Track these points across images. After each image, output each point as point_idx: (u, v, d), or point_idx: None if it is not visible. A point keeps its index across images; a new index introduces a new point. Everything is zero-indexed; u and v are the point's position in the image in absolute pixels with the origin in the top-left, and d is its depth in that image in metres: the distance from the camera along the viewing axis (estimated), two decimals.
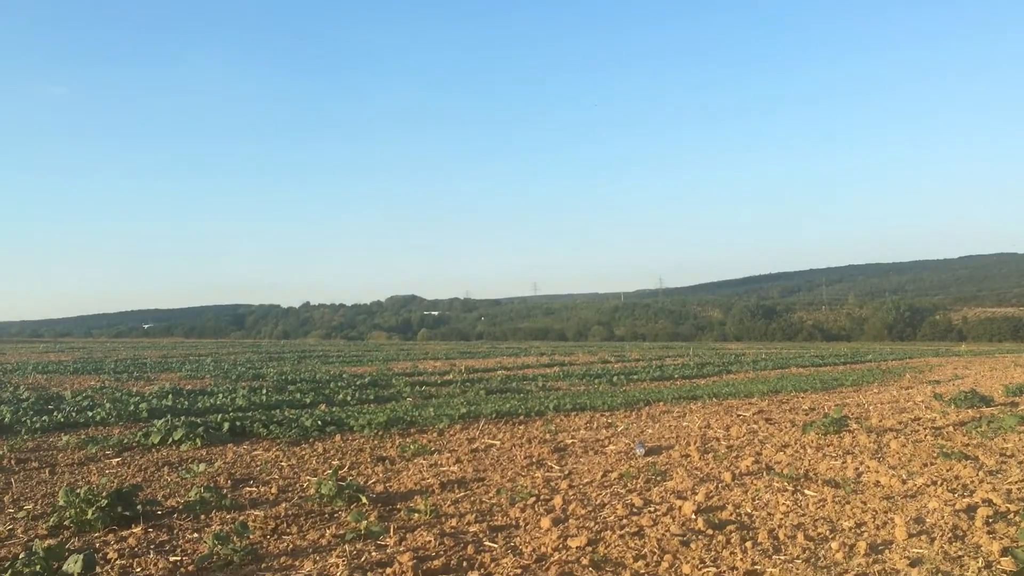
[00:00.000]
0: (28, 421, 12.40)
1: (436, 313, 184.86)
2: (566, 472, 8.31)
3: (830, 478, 7.59)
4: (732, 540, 5.47)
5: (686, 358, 42.19)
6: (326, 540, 5.67)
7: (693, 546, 5.35)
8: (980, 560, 4.93)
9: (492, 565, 5.04)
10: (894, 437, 10.03)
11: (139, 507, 6.38)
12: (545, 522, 6.01)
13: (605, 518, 6.19)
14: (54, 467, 9.03)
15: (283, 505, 6.79)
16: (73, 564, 4.63)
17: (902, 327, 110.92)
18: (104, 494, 6.22)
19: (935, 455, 8.66)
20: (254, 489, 7.66)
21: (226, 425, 11.47)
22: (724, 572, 4.83)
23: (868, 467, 8.07)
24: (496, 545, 5.50)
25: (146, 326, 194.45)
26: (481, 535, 5.78)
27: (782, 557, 5.11)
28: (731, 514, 6.24)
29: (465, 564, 5.07)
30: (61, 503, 6.28)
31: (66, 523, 6.10)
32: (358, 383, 22.34)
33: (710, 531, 5.70)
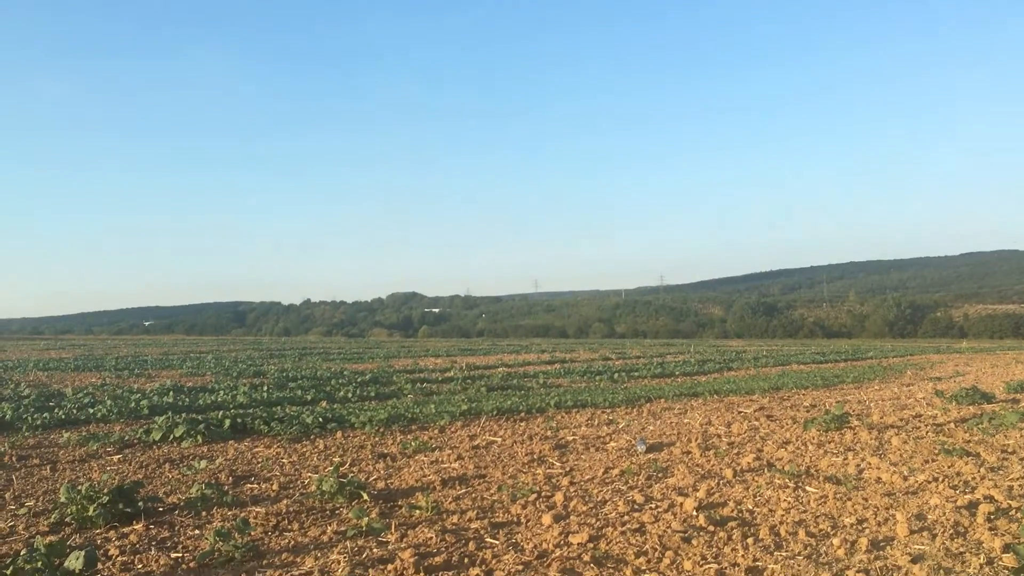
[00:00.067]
0: (29, 418, 12.41)
1: (437, 310, 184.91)
2: (567, 469, 8.30)
3: (831, 475, 7.58)
4: (734, 536, 5.46)
5: (687, 355, 42.19)
6: (327, 537, 5.67)
7: (695, 542, 5.35)
8: (982, 556, 4.93)
9: (494, 562, 5.04)
10: (895, 434, 10.02)
11: (140, 504, 6.38)
12: (546, 519, 6.00)
13: (606, 515, 6.19)
14: (55, 464, 9.03)
15: (284, 502, 6.79)
16: (75, 561, 4.63)
17: (903, 324, 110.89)
18: (105, 491, 6.22)
19: (936, 452, 8.65)
20: (255, 486, 7.67)
21: (227, 422, 11.48)
22: (726, 568, 4.82)
23: (869, 464, 8.06)
24: (497, 542, 5.50)
25: (147, 323, 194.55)
26: (482, 532, 5.78)
27: (784, 553, 5.10)
28: (732, 510, 6.23)
29: (467, 560, 5.07)
30: (62, 500, 6.28)
31: (67, 520, 6.11)
32: (359, 380, 22.35)
33: (712, 527, 5.70)
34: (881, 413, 12.72)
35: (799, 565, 4.87)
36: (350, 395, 17.87)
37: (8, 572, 4.56)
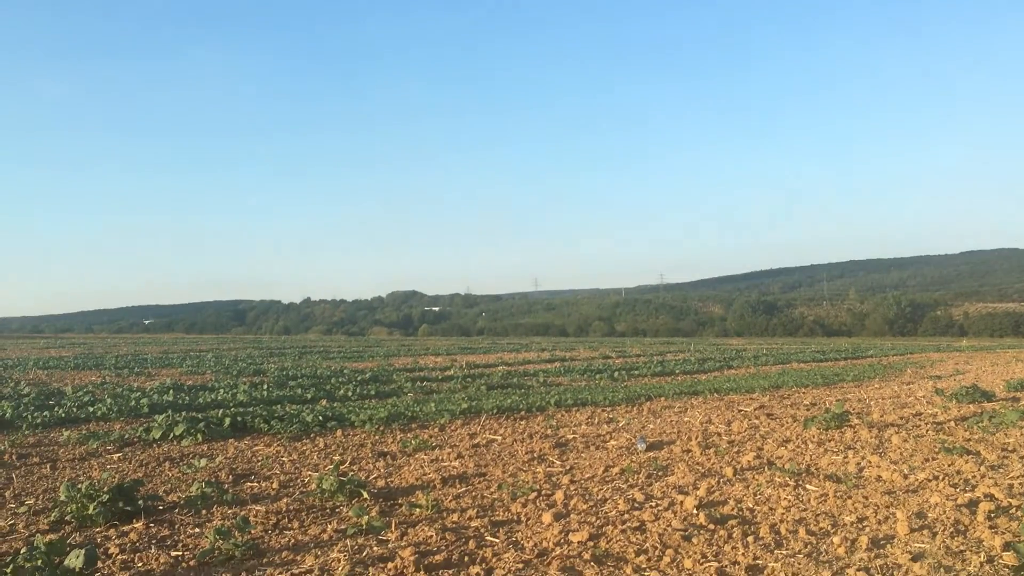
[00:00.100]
0: (29, 416, 12.42)
1: (437, 309, 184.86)
2: (567, 467, 8.30)
3: (832, 473, 7.58)
4: (734, 535, 5.46)
5: (687, 354, 42.20)
6: (327, 535, 5.67)
7: (695, 541, 5.34)
8: (982, 555, 4.92)
9: (494, 560, 5.04)
10: (895, 432, 10.01)
11: (140, 502, 6.38)
12: (547, 517, 6.00)
13: (607, 513, 6.19)
14: (55, 462, 9.03)
15: (284, 500, 6.79)
16: (75, 559, 4.63)
17: (903, 323, 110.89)
18: (105, 489, 6.21)
19: (936, 450, 8.65)
20: (255, 484, 7.66)
21: (227, 420, 11.48)
22: (726, 567, 4.82)
23: (870, 462, 8.06)
24: (498, 540, 5.50)
25: (147, 322, 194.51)
26: (483, 530, 5.77)
27: (784, 552, 5.10)
28: (733, 509, 6.23)
29: (467, 559, 5.06)
30: (62, 498, 6.28)
31: (67, 518, 6.11)
32: (359, 379, 22.36)
33: (712, 526, 5.70)
34: (881, 411, 12.72)
35: (799, 563, 4.86)
36: (350, 393, 17.87)
37: (8, 571, 4.56)
